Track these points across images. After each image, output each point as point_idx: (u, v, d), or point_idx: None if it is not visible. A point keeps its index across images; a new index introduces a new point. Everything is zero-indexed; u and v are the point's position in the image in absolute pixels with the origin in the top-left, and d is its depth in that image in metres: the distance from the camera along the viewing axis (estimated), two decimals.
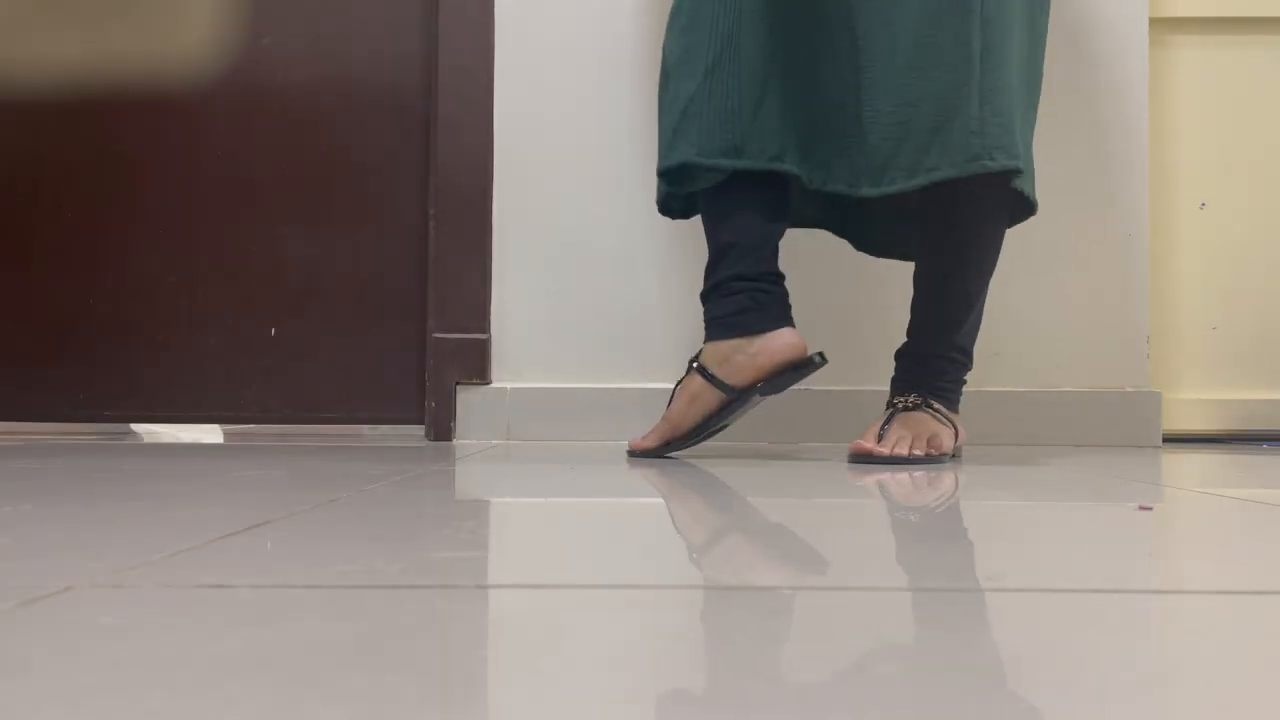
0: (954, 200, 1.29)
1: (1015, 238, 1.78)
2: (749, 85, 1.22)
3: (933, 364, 1.36)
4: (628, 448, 1.36)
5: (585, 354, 1.76)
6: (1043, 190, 1.80)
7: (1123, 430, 1.73)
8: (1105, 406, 1.74)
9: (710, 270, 1.30)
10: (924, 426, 1.30)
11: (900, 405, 1.33)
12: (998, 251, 1.37)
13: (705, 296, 1.30)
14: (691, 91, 1.23)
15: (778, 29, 1.24)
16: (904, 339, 1.41)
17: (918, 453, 1.26)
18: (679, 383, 1.32)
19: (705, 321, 1.29)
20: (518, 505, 0.91)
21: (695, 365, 1.28)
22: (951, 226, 1.33)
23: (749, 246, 1.27)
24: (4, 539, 0.62)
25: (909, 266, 1.78)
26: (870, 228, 1.50)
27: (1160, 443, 1.73)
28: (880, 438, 1.28)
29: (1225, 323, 1.87)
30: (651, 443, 1.31)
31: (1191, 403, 1.85)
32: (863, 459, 1.27)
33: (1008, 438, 1.73)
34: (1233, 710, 0.33)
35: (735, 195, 1.28)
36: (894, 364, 1.40)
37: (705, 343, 1.29)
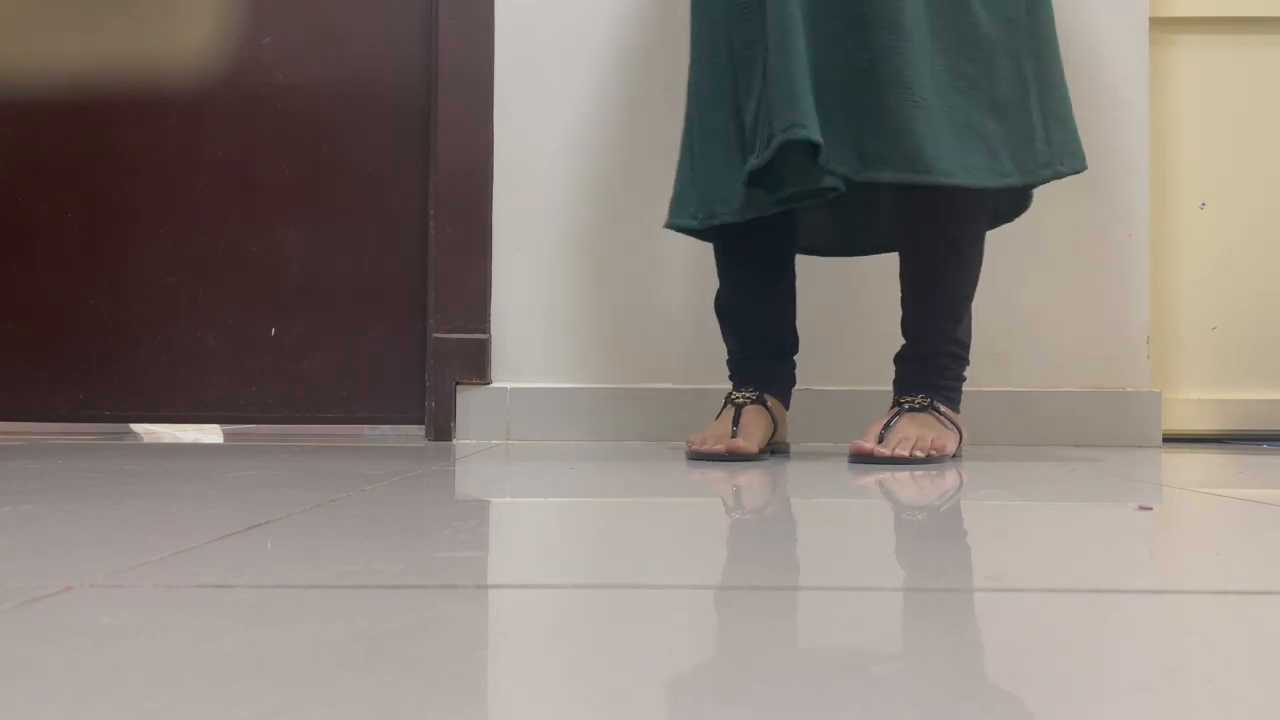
0: (949, 201, 1.31)
1: (1016, 238, 1.79)
2: (787, 67, 1.21)
3: (935, 362, 1.36)
4: (724, 449, 1.29)
5: (585, 354, 1.76)
6: (1042, 191, 1.80)
7: (1123, 430, 1.73)
8: (1105, 406, 1.74)
9: (739, 354, 1.42)
10: (928, 429, 1.30)
11: (907, 405, 1.33)
12: (983, 244, 1.40)
13: (756, 356, 1.41)
14: (755, 104, 1.26)
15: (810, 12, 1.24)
16: (900, 341, 1.40)
17: (919, 454, 1.25)
18: (749, 403, 1.36)
19: (765, 375, 1.40)
20: (518, 505, 0.91)
21: (769, 404, 1.38)
22: (948, 225, 1.35)
23: (767, 328, 1.42)
24: (4, 539, 0.62)
25: None
26: (835, 228, 1.52)
27: (1160, 443, 1.73)
28: (881, 438, 1.28)
29: (1225, 323, 1.87)
30: (754, 447, 1.31)
31: (1191, 403, 1.85)
32: (863, 459, 1.26)
33: (1008, 438, 1.73)
34: (1233, 710, 0.33)
35: (736, 251, 1.40)
36: (894, 368, 1.40)
37: (769, 393, 1.38)
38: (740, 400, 1.36)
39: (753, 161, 1.23)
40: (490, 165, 1.77)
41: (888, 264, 1.73)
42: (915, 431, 1.28)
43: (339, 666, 0.36)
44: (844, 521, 0.77)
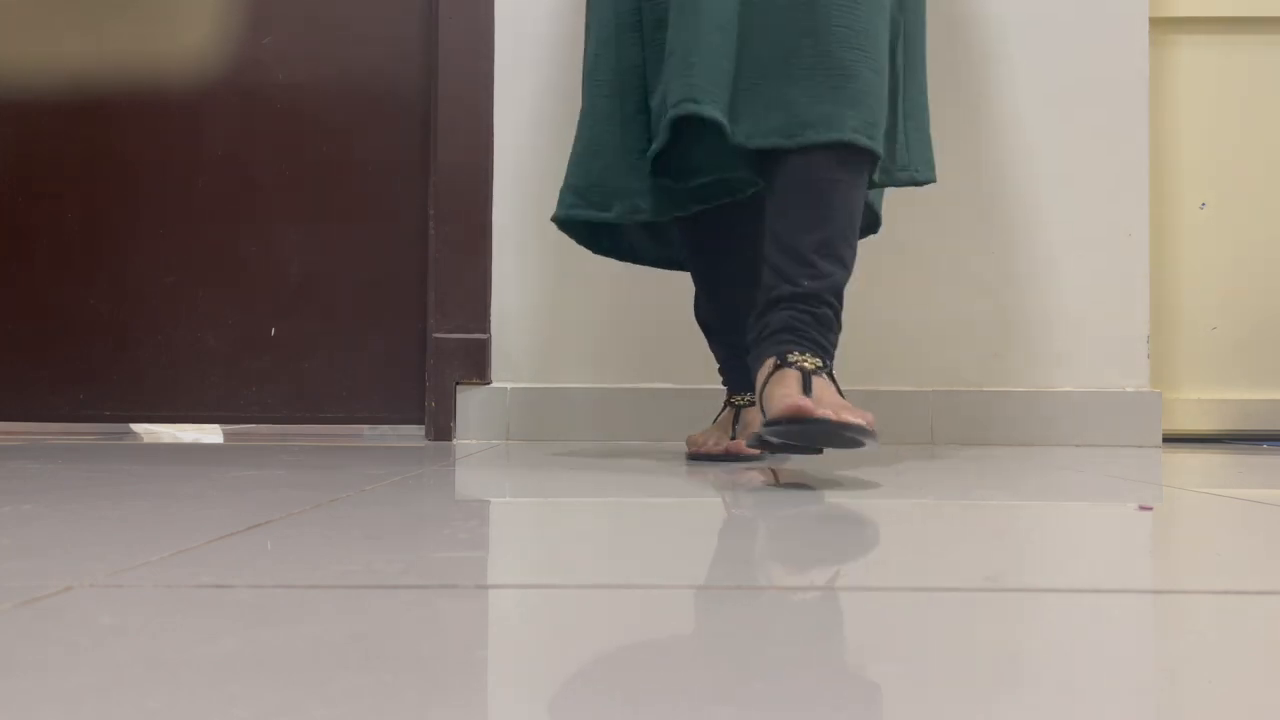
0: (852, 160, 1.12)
1: (1015, 237, 1.79)
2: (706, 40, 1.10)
3: (822, 313, 1.08)
4: (723, 450, 1.27)
5: (585, 354, 1.76)
6: (1042, 190, 1.81)
7: (1123, 430, 1.73)
8: (1105, 406, 1.74)
9: (731, 362, 1.37)
10: (845, 400, 1.01)
11: (810, 368, 1.03)
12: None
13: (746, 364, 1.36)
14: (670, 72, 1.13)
15: None
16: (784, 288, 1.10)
17: (863, 422, 0.94)
18: (749, 405, 1.33)
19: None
20: (518, 505, 0.91)
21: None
22: (832, 181, 1.11)
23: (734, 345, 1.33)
24: (4, 539, 0.62)
25: (906, 267, 1.79)
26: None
27: (1160, 443, 1.73)
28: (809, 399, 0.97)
29: (1225, 323, 1.87)
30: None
31: (1191, 403, 1.85)
32: (798, 421, 0.93)
33: (1008, 438, 1.73)
34: (1233, 710, 0.33)
35: (704, 253, 1.34)
36: (758, 320, 1.13)
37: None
38: (740, 403, 1.35)
39: (654, 146, 1.13)
40: (490, 165, 1.77)
41: (889, 262, 1.73)
42: (840, 400, 1.00)
43: (339, 666, 0.36)
44: (842, 521, 0.77)
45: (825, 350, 1.07)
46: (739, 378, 1.38)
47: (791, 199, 1.11)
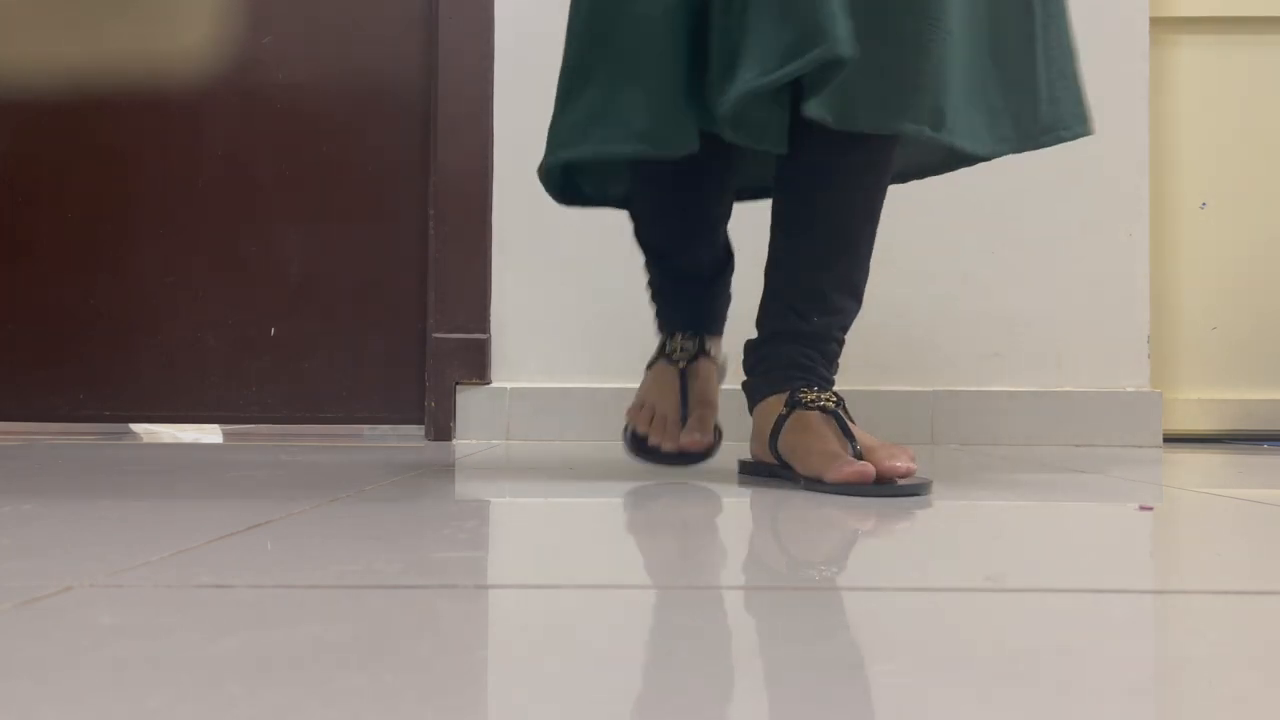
0: (881, 151, 1.03)
1: (1016, 237, 1.79)
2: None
3: (829, 349, 1.04)
4: (675, 450, 1.11)
5: (585, 354, 1.76)
6: (1043, 190, 1.81)
7: (1123, 430, 1.73)
8: (1105, 406, 1.74)
9: (669, 284, 1.19)
10: (875, 439, 0.98)
11: (830, 405, 0.99)
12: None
13: (693, 280, 1.17)
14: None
15: None
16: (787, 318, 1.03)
17: (914, 466, 0.94)
18: (691, 358, 1.15)
19: (702, 311, 1.17)
20: (518, 505, 0.91)
21: (711, 352, 1.17)
22: (866, 178, 1.04)
23: (708, 250, 1.16)
24: (4, 539, 0.62)
25: (906, 267, 1.79)
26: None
27: (1160, 443, 1.73)
28: (855, 452, 0.94)
29: (1225, 323, 1.87)
30: (708, 438, 1.12)
31: (1191, 403, 1.85)
32: (869, 486, 0.91)
33: (1008, 438, 1.73)
34: (1233, 710, 0.33)
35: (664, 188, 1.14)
36: (759, 348, 1.06)
37: (711, 333, 1.18)
38: (681, 356, 1.14)
39: (755, 80, 0.89)
40: (490, 165, 1.77)
41: (889, 262, 1.73)
42: (875, 441, 0.97)
43: (339, 666, 0.36)
44: (843, 521, 0.77)
45: (830, 384, 1.02)
46: (679, 301, 1.17)
47: (818, 204, 1.02)
